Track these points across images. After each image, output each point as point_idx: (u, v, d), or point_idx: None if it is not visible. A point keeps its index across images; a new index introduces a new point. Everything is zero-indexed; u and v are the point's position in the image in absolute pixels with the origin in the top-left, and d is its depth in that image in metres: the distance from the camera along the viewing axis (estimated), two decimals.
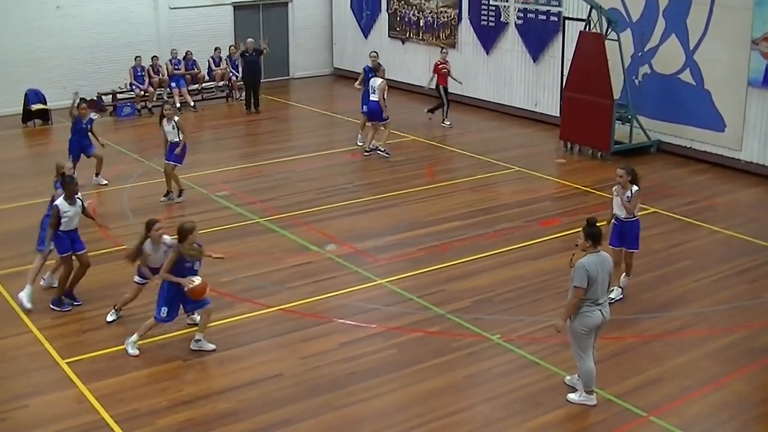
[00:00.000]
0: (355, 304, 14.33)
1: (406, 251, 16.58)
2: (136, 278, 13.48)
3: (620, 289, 14.35)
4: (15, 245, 17.08)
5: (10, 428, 11.07)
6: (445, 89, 26.13)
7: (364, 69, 24.33)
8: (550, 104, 25.39)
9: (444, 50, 27.05)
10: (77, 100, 20.84)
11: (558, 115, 24.26)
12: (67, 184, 14.23)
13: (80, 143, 20.89)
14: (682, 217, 18.10)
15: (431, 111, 26.61)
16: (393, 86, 30.72)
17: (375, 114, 22.63)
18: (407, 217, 18.42)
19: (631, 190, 13.88)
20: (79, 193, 14.48)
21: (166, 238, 13.21)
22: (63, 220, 14.07)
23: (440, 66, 26.09)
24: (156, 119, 22.25)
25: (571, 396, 11.44)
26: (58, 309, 14.26)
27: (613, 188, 14.20)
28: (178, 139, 19.47)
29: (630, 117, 22.68)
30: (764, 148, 20.97)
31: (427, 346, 12.98)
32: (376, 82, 22.62)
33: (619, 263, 13.92)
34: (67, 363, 12.52)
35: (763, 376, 12.17)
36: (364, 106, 23.19)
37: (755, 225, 17.90)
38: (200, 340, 12.83)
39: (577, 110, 22.69)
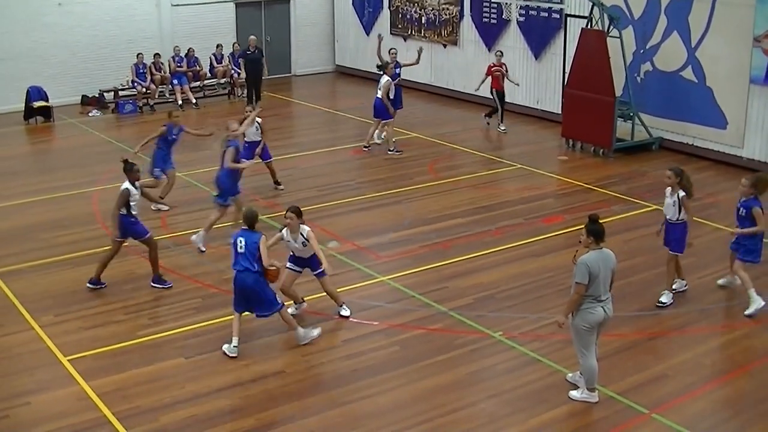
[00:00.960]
0: (358, 301, 14.32)
1: (408, 248, 16.57)
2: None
3: (680, 283, 14.43)
4: (17, 242, 17.10)
5: (12, 425, 11.07)
6: (499, 93, 25.15)
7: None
8: (552, 101, 25.38)
9: (499, 52, 25.75)
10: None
11: (560, 112, 24.25)
12: (129, 172, 14.92)
13: (165, 157, 19.18)
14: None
15: (488, 116, 25.82)
16: (395, 83, 30.80)
17: (379, 111, 22.60)
18: (410, 214, 18.42)
19: (678, 195, 13.91)
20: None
21: (305, 228, 13.31)
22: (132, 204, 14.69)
23: (494, 69, 25.18)
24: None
25: (573, 393, 11.43)
26: (161, 286, 14.90)
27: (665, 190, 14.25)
28: (260, 139, 19.75)
29: (632, 114, 22.67)
30: (766, 145, 20.94)
31: (429, 343, 12.98)
32: (382, 79, 22.58)
33: (667, 264, 14.18)
34: (69, 360, 12.52)
35: (766, 373, 12.15)
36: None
37: None
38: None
39: (579, 107, 22.67)
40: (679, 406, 11.29)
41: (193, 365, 12.44)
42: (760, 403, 11.42)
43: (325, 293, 13.70)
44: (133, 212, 14.66)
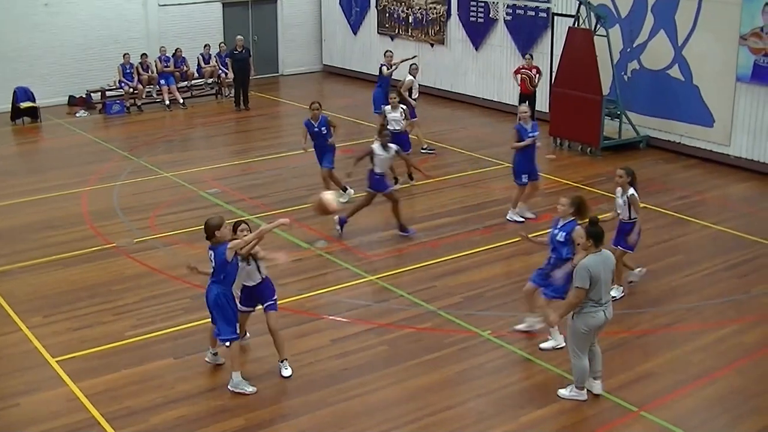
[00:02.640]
0: (346, 301, 14.34)
1: (397, 247, 16.59)
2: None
3: (621, 288, 14.36)
4: (5, 243, 17.09)
5: (1, 427, 11.05)
6: (525, 97, 23.96)
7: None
8: (539, 100, 25.38)
9: (529, 55, 24.58)
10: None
11: (547, 111, 24.28)
12: (383, 136, 17.09)
13: (321, 149, 19.10)
14: (673, 213, 18.14)
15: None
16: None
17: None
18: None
19: (628, 194, 13.77)
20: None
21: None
22: (375, 161, 16.82)
23: (522, 71, 24.17)
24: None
25: (562, 391, 11.44)
26: (407, 233, 16.85)
27: (616, 189, 14.09)
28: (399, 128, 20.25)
29: (619, 113, 22.71)
30: (753, 143, 21.03)
31: (418, 342, 13.00)
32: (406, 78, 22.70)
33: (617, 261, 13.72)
34: (57, 361, 12.50)
35: (755, 370, 12.20)
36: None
37: (745, 220, 17.96)
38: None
39: (566, 106, 22.71)
40: (669, 403, 11.32)
41: (182, 365, 12.43)
42: (750, 400, 11.46)
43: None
44: (378, 170, 16.82)
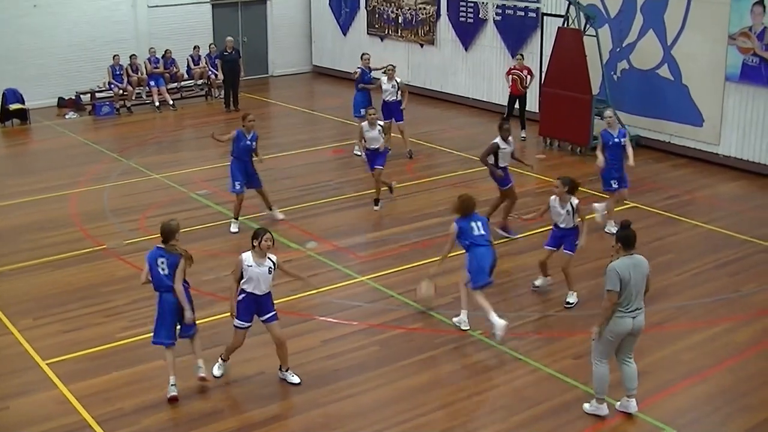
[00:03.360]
0: (337, 302, 14.34)
1: (387, 248, 16.60)
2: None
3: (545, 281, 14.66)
4: None
5: None
6: (515, 98, 24.10)
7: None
8: (529, 100, 25.39)
9: (520, 56, 24.46)
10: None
11: (537, 110, 24.31)
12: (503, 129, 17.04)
13: (246, 167, 17.73)
14: (663, 212, 18.18)
15: (522, 130, 24.31)
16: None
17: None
18: (388, 213, 18.43)
19: (572, 203, 13.98)
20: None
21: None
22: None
23: (512, 72, 24.02)
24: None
25: (586, 405, 11.16)
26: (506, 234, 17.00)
27: (551, 198, 14.19)
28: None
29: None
30: (742, 142, 21.09)
31: (410, 343, 13.01)
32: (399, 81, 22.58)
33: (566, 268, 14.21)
34: (48, 364, 12.48)
35: (746, 368, 12.24)
36: None
37: (735, 219, 18.01)
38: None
39: (556, 106, 22.75)
40: (659, 402, 11.35)
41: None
42: (740, 398, 11.50)
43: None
44: (501, 164, 16.85)
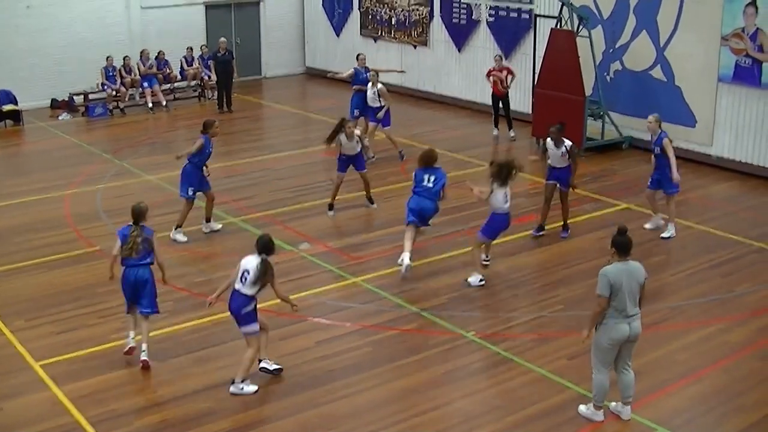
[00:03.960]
0: (331, 303, 14.34)
1: (380, 249, 16.58)
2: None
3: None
4: None
5: None
6: (499, 99, 24.29)
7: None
8: (521, 101, 25.42)
9: (498, 56, 24.71)
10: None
11: (530, 112, 24.31)
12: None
13: (200, 174, 17.41)
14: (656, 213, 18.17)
15: (510, 130, 24.47)
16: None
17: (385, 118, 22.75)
18: (382, 214, 18.43)
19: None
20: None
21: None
22: None
23: (493, 73, 24.19)
24: None
25: (582, 408, 11.12)
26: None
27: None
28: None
29: (602, 113, 22.77)
30: (735, 143, 21.13)
31: (403, 344, 13.01)
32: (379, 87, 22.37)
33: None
34: (41, 365, 12.45)
35: (740, 368, 12.25)
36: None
37: (728, 219, 18.04)
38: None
39: (549, 107, 22.72)
40: (654, 402, 11.36)
41: (166, 368, 12.39)
42: (735, 398, 11.52)
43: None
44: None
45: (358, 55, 24.20)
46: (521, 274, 15.38)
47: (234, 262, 14.73)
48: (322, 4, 33.73)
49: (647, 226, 17.29)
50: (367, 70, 23.05)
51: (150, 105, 28.60)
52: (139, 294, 12.42)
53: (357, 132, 18.58)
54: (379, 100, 21.90)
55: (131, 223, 12.51)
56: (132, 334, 12.53)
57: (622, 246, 10.49)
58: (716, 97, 21.25)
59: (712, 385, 11.86)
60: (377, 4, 31.21)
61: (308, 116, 28.15)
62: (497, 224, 15.03)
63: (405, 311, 13.99)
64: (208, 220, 17.58)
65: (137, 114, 28.38)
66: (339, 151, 18.20)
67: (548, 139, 16.70)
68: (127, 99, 28.85)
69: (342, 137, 18.09)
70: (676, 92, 22.02)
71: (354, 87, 23.10)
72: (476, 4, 24.77)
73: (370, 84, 22.11)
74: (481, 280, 14.90)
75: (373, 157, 21.54)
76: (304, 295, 14.49)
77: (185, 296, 14.53)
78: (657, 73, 22.50)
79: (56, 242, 17.09)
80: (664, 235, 17.01)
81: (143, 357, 12.27)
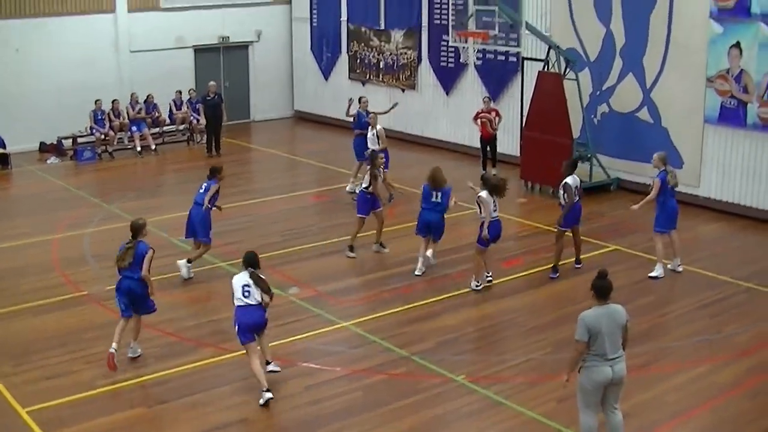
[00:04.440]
0: (320, 347, 14.29)
1: (369, 293, 16.58)
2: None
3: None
4: None
5: None
6: (486, 142, 24.77)
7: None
8: (509, 143, 25.50)
9: (487, 98, 25.29)
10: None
11: (518, 154, 24.39)
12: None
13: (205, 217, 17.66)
14: (644, 254, 18.20)
15: (493, 166, 24.70)
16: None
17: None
18: (370, 259, 18.44)
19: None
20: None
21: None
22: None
23: (481, 115, 24.62)
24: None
25: None
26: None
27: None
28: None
29: (590, 155, 22.86)
30: (722, 183, 21.23)
31: (392, 388, 12.96)
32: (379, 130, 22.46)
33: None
34: (28, 411, 12.36)
35: (729, 409, 12.25)
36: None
37: (716, 260, 18.08)
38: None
39: (537, 150, 22.83)
40: None
41: (155, 414, 12.35)
42: None
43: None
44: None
45: (360, 98, 24.26)
46: (510, 316, 15.39)
47: (224, 306, 14.81)
48: (311, 48, 33.89)
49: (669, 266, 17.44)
50: (367, 113, 23.18)
51: (139, 149, 28.64)
52: (134, 302, 13.63)
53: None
54: (378, 142, 21.99)
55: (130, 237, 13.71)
56: (115, 345, 13.40)
57: (601, 290, 10.44)
58: (703, 138, 21.38)
59: (701, 426, 11.86)
60: (365, 48, 31.38)
61: (297, 160, 28.20)
62: (491, 231, 16.28)
63: (394, 356, 13.96)
64: (190, 261, 17.61)
65: (126, 158, 28.42)
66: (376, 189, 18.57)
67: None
68: (115, 143, 28.88)
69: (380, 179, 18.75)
70: (663, 134, 22.14)
71: (356, 131, 23.26)
72: (464, 48, 24.86)
73: (369, 126, 22.23)
74: (477, 286, 16.51)
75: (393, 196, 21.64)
76: (293, 340, 14.49)
77: (175, 341, 14.49)
78: (644, 114, 22.63)
79: (43, 287, 17.04)
80: (651, 274, 17.08)
81: (131, 355, 13.84)
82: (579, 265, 17.55)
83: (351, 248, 18.62)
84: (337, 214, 21.42)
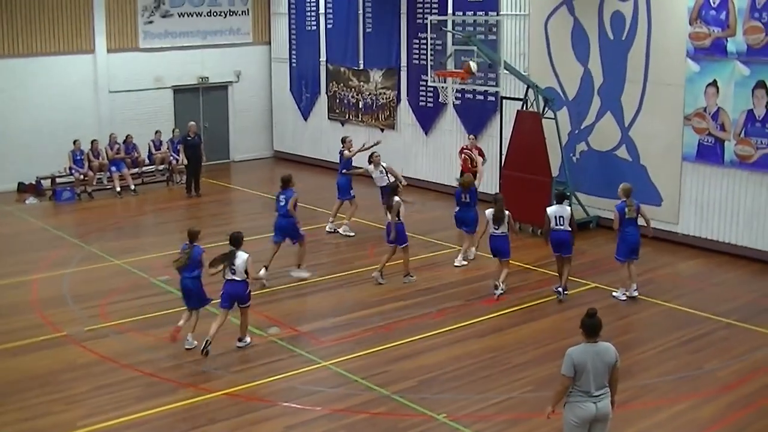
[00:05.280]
0: (300, 387, 14.21)
1: (350, 332, 16.52)
2: None
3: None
4: None
5: None
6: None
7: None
8: (489, 183, 25.54)
9: (473, 135, 25.46)
10: None
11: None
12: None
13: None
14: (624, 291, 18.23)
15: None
16: (334, 168, 30.97)
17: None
18: (351, 297, 18.41)
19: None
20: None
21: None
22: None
23: (465, 151, 24.65)
24: None
25: None
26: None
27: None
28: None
29: (569, 194, 22.91)
30: (700, 220, 21.33)
31: (374, 427, 12.90)
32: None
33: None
34: None
35: None
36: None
37: (695, 296, 18.14)
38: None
39: (516, 188, 22.86)
40: None
41: None
42: None
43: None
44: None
45: (344, 138, 24.25)
46: (492, 354, 15.35)
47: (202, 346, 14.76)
48: (290, 88, 34.00)
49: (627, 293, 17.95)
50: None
51: (118, 189, 28.57)
52: (188, 298, 15.86)
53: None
54: (388, 177, 22.14)
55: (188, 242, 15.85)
56: (182, 321, 15.80)
57: (589, 328, 10.43)
58: (681, 175, 21.50)
59: None
60: (344, 88, 31.49)
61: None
62: (493, 244, 18.54)
63: (375, 394, 13.90)
64: (299, 266, 19.81)
65: (105, 198, 28.35)
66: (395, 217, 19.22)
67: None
68: (94, 183, 28.81)
69: (370, 167, 20.96)
70: (642, 172, 22.26)
71: (343, 171, 23.29)
72: (443, 87, 24.98)
73: (372, 166, 22.33)
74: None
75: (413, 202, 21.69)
76: (273, 379, 14.42)
77: (154, 381, 14.38)
78: (622, 153, 22.75)
79: (22, 327, 16.90)
80: (615, 294, 17.75)
81: (186, 346, 15.61)
82: (565, 293, 18.05)
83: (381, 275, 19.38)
84: (316, 254, 21.36)
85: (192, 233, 15.95)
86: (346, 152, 23.67)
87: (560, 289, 17.96)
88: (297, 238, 19.63)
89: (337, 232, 23.21)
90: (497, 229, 18.34)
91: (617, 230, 17.96)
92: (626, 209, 17.72)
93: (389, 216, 19.18)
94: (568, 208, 18.15)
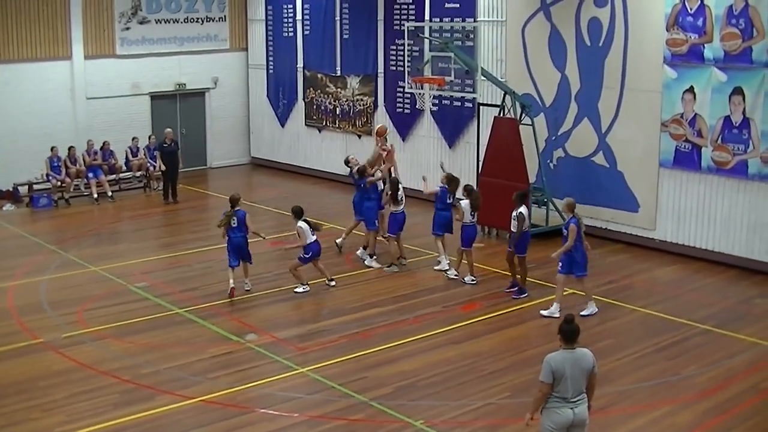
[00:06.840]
0: (278, 394, 14.19)
1: (327, 339, 16.50)
2: None
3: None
4: None
5: None
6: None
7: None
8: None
9: (441, 163, 23.99)
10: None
11: None
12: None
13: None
14: (602, 297, 18.29)
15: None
16: (311, 174, 31.00)
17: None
18: (329, 304, 18.41)
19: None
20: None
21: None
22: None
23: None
24: None
25: None
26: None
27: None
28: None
29: (546, 200, 23.00)
30: (677, 227, 21.42)
31: None
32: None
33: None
34: None
35: None
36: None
37: (672, 302, 18.21)
38: None
39: (493, 195, 22.83)
40: None
41: None
42: None
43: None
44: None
45: (349, 157, 23.40)
46: (469, 361, 15.36)
47: (181, 353, 14.78)
48: (267, 95, 33.98)
49: (584, 313, 17.36)
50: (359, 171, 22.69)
51: (95, 196, 28.48)
52: (238, 253, 18.73)
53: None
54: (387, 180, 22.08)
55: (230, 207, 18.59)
56: (231, 281, 18.47)
57: (567, 333, 10.42)
58: (658, 182, 21.59)
59: None
60: (322, 95, 31.49)
61: (253, 207, 28.02)
62: (469, 233, 19.69)
63: (353, 401, 13.89)
64: (372, 255, 21.27)
65: (82, 205, 28.26)
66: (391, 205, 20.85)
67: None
68: (72, 190, 28.71)
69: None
70: (619, 178, 22.35)
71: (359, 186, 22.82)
72: (420, 94, 25.00)
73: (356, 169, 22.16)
74: (473, 280, 19.50)
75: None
76: (251, 386, 14.38)
77: (132, 388, 14.33)
78: (599, 159, 22.84)
79: None
80: (583, 312, 17.21)
81: (246, 288, 18.95)
82: (525, 295, 18.52)
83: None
84: (293, 261, 21.31)
85: (233, 199, 18.71)
86: (368, 178, 22.20)
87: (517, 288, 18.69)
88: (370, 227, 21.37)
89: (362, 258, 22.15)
90: (474, 219, 19.75)
91: (571, 247, 17.46)
92: (579, 223, 17.46)
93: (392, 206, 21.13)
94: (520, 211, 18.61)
